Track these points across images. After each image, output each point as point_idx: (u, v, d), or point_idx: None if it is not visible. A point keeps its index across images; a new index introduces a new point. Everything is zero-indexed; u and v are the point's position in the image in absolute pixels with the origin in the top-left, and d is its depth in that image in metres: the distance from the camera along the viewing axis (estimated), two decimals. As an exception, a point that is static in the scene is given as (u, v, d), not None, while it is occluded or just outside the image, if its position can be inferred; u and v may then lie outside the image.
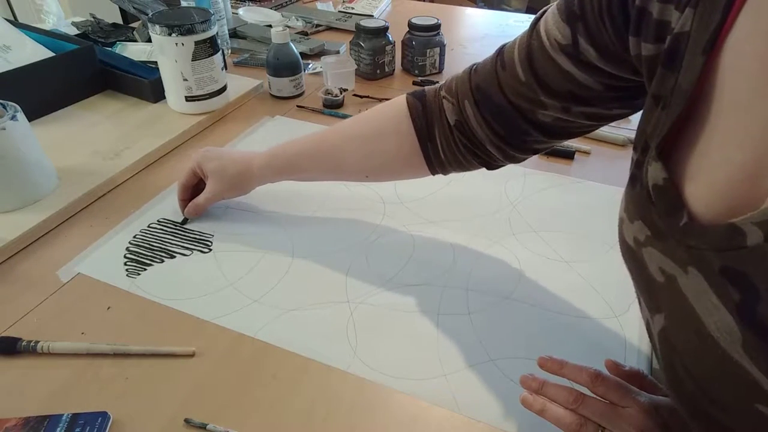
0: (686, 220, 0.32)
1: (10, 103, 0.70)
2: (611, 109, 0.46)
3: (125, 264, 0.64)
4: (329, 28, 1.36)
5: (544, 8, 0.46)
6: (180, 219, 0.72)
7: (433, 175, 0.59)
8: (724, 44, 0.30)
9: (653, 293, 0.36)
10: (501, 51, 0.50)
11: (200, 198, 0.70)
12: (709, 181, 0.31)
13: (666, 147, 0.34)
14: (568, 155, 0.85)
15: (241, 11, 1.34)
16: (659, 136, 0.34)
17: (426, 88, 0.58)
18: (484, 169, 0.57)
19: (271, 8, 1.40)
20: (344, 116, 0.96)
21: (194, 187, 0.72)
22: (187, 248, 0.67)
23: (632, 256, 0.38)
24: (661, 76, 0.34)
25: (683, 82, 0.32)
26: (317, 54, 1.20)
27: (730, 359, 0.29)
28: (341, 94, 0.99)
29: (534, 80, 0.46)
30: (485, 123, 0.51)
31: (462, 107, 0.53)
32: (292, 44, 0.99)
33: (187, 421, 0.47)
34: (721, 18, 0.30)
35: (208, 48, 0.88)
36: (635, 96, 0.44)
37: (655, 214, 0.34)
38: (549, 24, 0.44)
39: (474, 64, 0.53)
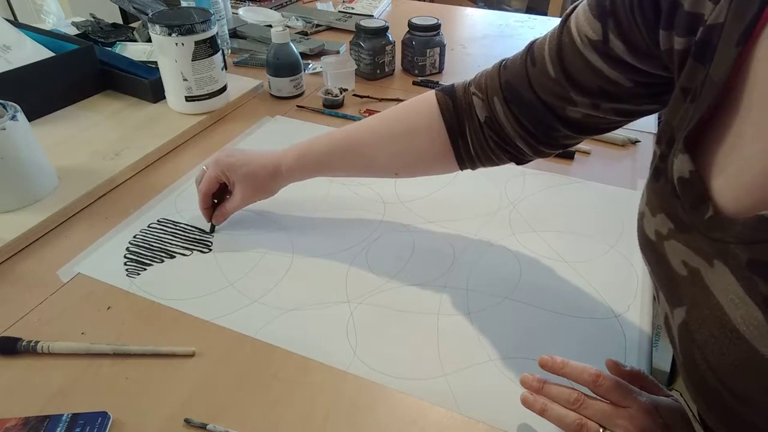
0: (712, 213, 0.32)
1: (10, 103, 0.69)
2: (641, 104, 0.46)
3: (125, 264, 0.64)
4: (329, 28, 1.36)
5: (575, 4, 0.46)
6: (208, 228, 0.70)
7: (462, 170, 0.59)
8: (760, 36, 0.30)
9: (675, 287, 0.35)
10: (531, 47, 0.50)
11: (230, 205, 0.68)
12: (737, 174, 0.31)
13: (693, 140, 0.34)
14: (568, 155, 0.85)
15: (241, 11, 1.34)
16: (687, 128, 0.34)
17: (455, 83, 0.57)
18: (515, 164, 0.57)
19: (271, 8, 1.40)
20: (344, 116, 0.96)
21: (215, 194, 0.69)
22: (187, 248, 0.67)
23: (653, 249, 0.38)
24: (690, 68, 0.34)
25: (714, 75, 0.32)
26: (317, 54, 1.20)
27: (756, 353, 0.29)
28: (341, 94, 0.99)
29: (564, 77, 0.46)
30: (514, 119, 0.51)
31: (491, 103, 0.53)
32: (292, 44, 0.99)
33: (187, 421, 0.47)
34: (758, 9, 0.29)
35: (208, 48, 0.88)
36: (665, 92, 0.44)
37: (680, 207, 0.34)
38: (580, 20, 0.44)
39: (503, 60, 0.53)
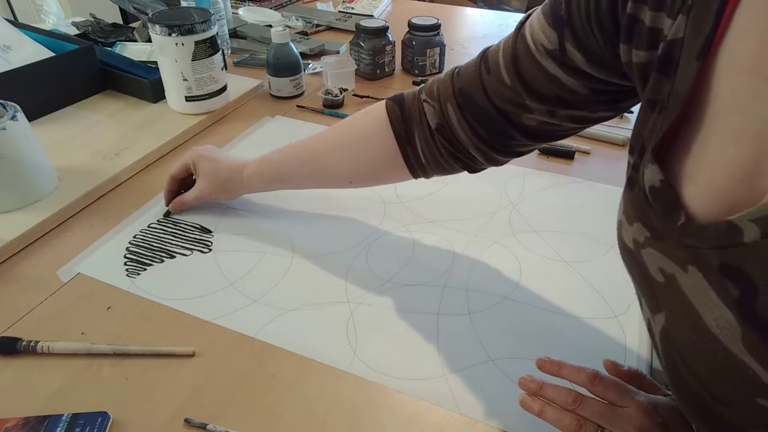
0: (684, 220, 0.32)
1: (10, 103, 0.70)
2: (596, 111, 0.46)
3: (125, 264, 0.64)
4: (329, 28, 1.36)
5: (528, 12, 0.46)
6: (164, 210, 0.73)
7: (416, 179, 0.59)
8: (719, 48, 0.30)
9: (654, 293, 0.36)
10: (485, 54, 0.50)
11: (188, 195, 0.71)
12: (706, 182, 0.32)
13: (662, 149, 0.34)
14: (568, 155, 0.85)
15: (241, 11, 1.34)
16: (655, 139, 0.34)
17: (405, 92, 0.58)
18: (468, 173, 0.57)
19: (271, 8, 1.40)
20: (344, 116, 0.96)
21: (182, 180, 0.73)
22: (187, 248, 0.67)
23: (632, 257, 0.38)
24: (655, 81, 0.35)
25: (679, 87, 0.32)
26: (317, 54, 1.20)
27: (731, 355, 0.29)
28: (341, 94, 0.99)
29: (520, 84, 0.46)
30: (468, 126, 0.51)
31: (444, 111, 0.52)
32: (292, 44, 0.99)
33: (187, 421, 0.47)
34: (714, 23, 0.30)
35: (208, 48, 0.88)
36: (621, 99, 0.44)
37: (653, 215, 0.34)
38: (534, 28, 0.44)
39: (456, 67, 0.53)
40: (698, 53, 0.31)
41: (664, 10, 0.33)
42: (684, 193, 0.33)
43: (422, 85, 0.56)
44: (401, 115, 0.56)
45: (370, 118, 0.59)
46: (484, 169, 0.56)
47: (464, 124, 0.51)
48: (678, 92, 0.32)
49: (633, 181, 0.37)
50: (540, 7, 0.44)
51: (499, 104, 0.49)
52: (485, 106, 0.49)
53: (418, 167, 0.57)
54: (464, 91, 0.51)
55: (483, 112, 0.50)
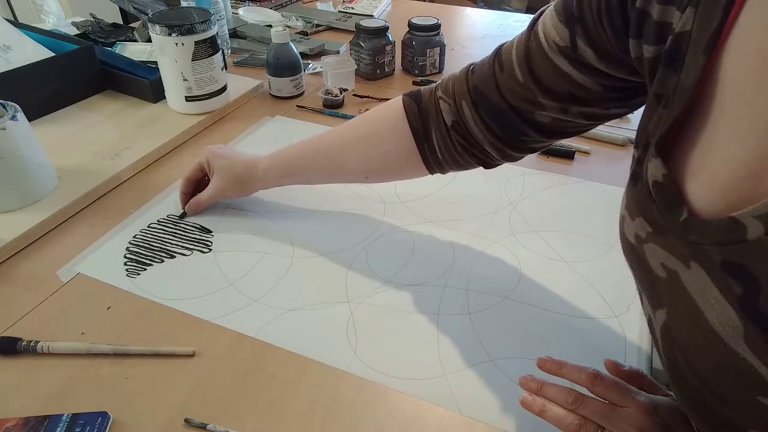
0: (686, 215, 0.32)
1: (10, 103, 0.70)
2: (609, 108, 0.46)
3: (125, 264, 0.64)
4: (329, 28, 1.36)
5: (542, 9, 0.46)
6: (179, 213, 0.72)
7: (432, 174, 0.60)
8: (726, 43, 0.30)
9: (655, 289, 0.36)
10: (498, 52, 0.50)
11: (203, 195, 0.71)
12: (710, 178, 0.31)
13: (667, 144, 0.34)
14: (568, 155, 0.85)
15: (241, 11, 1.34)
16: (660, 133, 0.34)
17: (422, 88, 0.58)
18: (483, 168, 0.57)
19: (271, 8, 1.40)
20: (344, 116, 0.96)
21: (198, 182, 0.72)
22: (187, 248, 0.67)
23: (634, 252, 0.38)
24: (662, 75, 0.34)
25: (685, 81, 0.32)
26: (317, 54, 1.20)
27: (733, 352, 0.29)
28: (341, 94, 0.99)
29: (532, 81, 0.46)
30: (483, 123, 0.52)
31: (459, 108, 0.53)
32: (292, 44, 0.99)
33: (187, 421, 0.47)
34: (722, 17, 0.30)
35: (208, 48, 0.88)
36: (633, 96, 0.44)
37: (656, 210, 0.34)
38: (547, 25, 0.44)
39: (471, 64, 0.54)
40: (705, 47, 0.31)
41: (673, 4, 0.33)
42: (687, 189, 0.33)
43: (439, 81, 0.57)
44: (418, 112, 0.56)
45: (386, 114, 0.59)
46: (500, 164, 0.57)
47: (479, 121, 0.52)
48: (684, 86, 0.32)
49: (636, 176, 0.37)
50: (553, 4, 0.44)
51: (512, 101, 0.49)
52: (499, 103, 0.50)
53: (434, 163, 0.58)
54: (478, 89, 0.51)
55: (497, 109, 0.50)
